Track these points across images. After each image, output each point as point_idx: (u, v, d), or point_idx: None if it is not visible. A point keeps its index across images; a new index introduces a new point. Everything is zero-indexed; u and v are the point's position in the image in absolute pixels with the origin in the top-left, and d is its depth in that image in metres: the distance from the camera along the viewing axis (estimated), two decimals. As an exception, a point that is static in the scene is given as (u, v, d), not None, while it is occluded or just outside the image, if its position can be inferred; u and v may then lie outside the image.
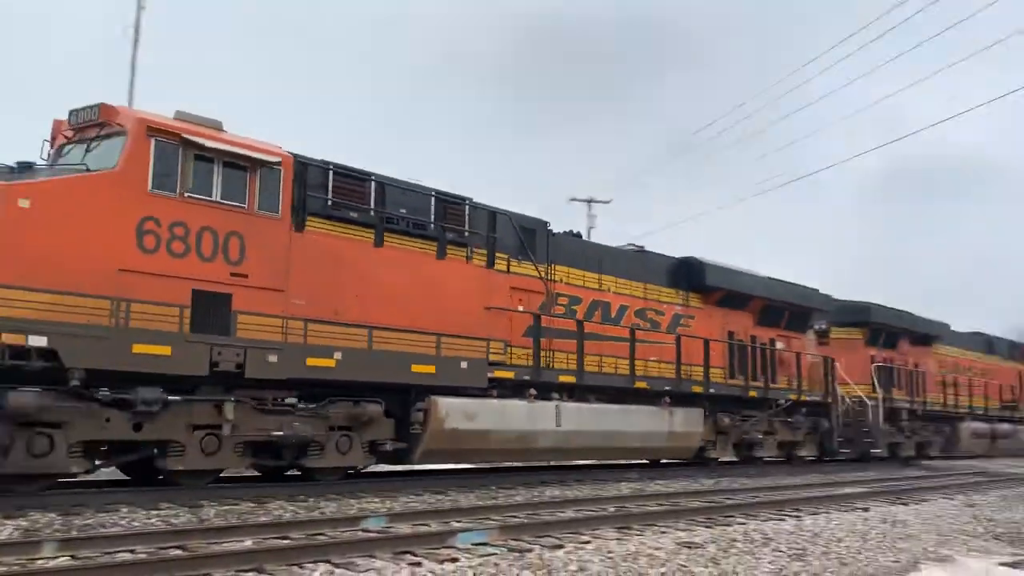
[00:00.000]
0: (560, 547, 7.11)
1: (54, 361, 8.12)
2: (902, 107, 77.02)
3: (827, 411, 19.56)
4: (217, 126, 9.85)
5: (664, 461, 16.22)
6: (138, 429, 8.98)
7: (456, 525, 8.00)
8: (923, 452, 23.93)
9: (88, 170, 8.72)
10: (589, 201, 37.27)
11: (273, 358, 9.76)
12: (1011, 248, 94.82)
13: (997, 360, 28.64)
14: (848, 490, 13.73)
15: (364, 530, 7.68)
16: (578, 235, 15.73)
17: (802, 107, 78.35)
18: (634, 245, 16.63)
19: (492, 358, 12.14)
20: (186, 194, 9.32)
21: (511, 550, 6.91)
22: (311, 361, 10.17)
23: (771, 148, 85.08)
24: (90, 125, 9.41)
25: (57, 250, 8.22)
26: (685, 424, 15.54)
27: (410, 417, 11.37)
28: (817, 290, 20.53)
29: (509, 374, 12.59)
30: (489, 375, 12.14)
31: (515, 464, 13.49)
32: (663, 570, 6.57)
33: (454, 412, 11.63)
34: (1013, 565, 9.11)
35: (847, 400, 20.63)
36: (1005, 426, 26.93)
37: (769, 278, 18.85)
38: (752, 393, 17.47)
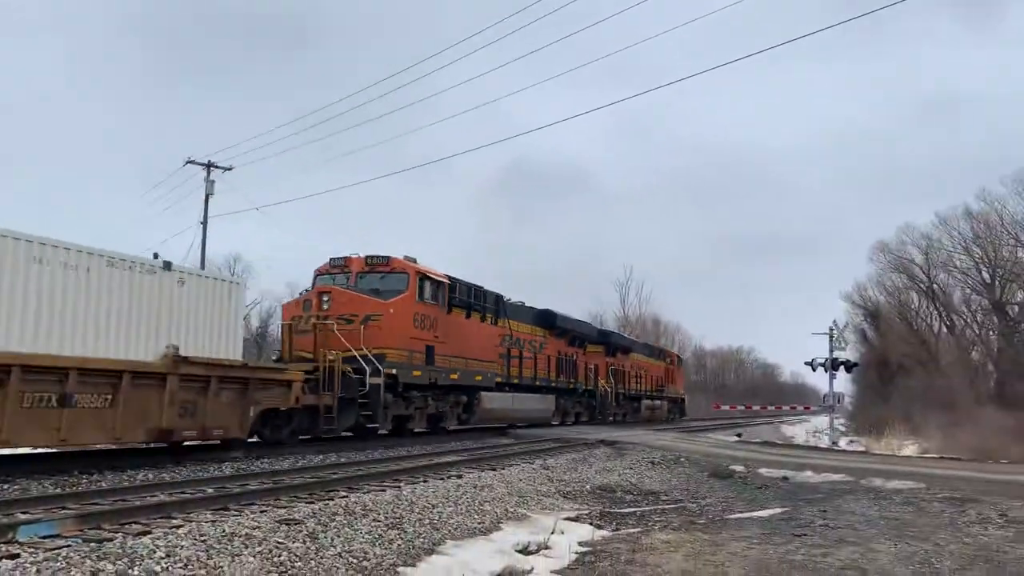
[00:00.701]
0: (147, 533, 6.65)
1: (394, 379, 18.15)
2: (519, 112, 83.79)
3: (596, 394, 32.70)
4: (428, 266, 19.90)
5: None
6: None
7: (22, 517, 7.21)
8: (636, 417, 38.15)
9: (399, 293, 19.15)
10: (208, 165, 34.93)
11: (446, 376, 20.50)
12: (600, 240, 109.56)
13: (654, 360, 43.57)
14: (449, 459, 14.52)
15: None
16: (519, 302, 27.17)
17: (430, 95, 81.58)
18: (522, 302, 27.50)
19: (499, 371, 23.94)
20: (426, 301, 20.08)
21: (87, 540, 6.33)
22: (451, 376, 21.15)
23: (399, 133, 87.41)
24: (380, 265, 19.82)
25: (397, 330, 18.81)
26: (547, 403, 27.51)
27: (473, 401, 22.48)
28: (590, 323, 39.35)
29: (501, 379, 24.25)
30: (497, 380, 23.83)
31: (139, 446, 13.68)
32: (259, 549, 6.45)
33: (488, 398, 23.05)
34: (576, 519, 10.24)
35: (603, 387, 33.66)
36: (657, 401, 42.01)
37: (576, 319, 33.25)
38: (570, 386, 30.07)
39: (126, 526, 6.97)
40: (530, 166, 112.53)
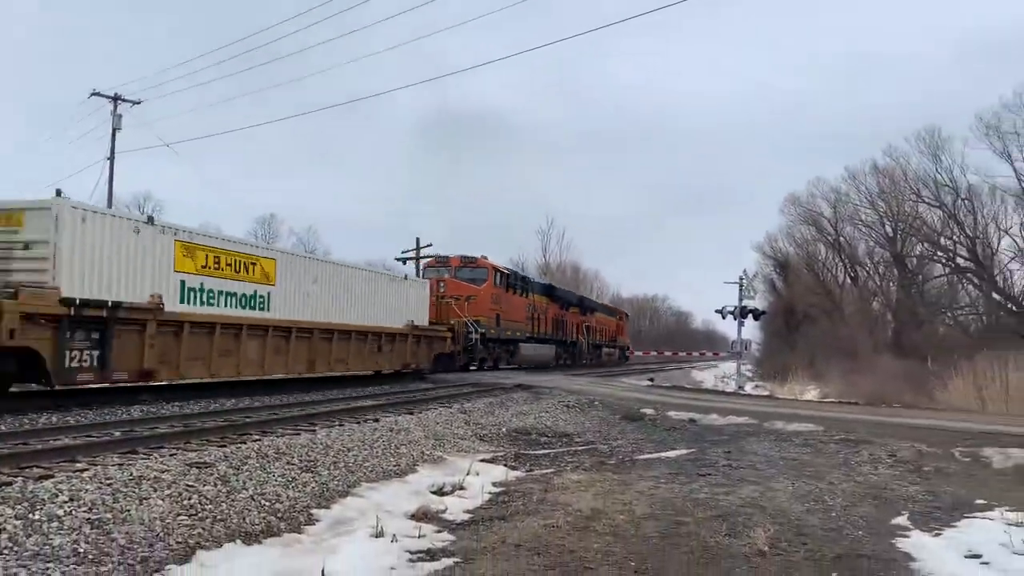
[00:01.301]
0: (49, 476, 6.40)
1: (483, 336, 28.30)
2: (447, 54, 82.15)
3: (576, 345, 42.12)
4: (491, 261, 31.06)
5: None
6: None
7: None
8: (599, 360, 47.69)
9: (484, 282, 29.91)
10: (115, 99, 33.33)
11: (506, 333, 30.53)
12: (523, 188, 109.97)
13: (610, 317, 53.76)
14: (366, 403, 14.43)
15: None
16: (535, 279, 38.81)
17: (353, 31, 79.22)
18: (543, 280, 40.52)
19: (528, 330, 33.20)
20: (497, 286, 30.51)
21: (-16, 485, 5.73)
22: (506, 333, 30.82)
23: (319, 69, 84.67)
24: (470, 263, 30.60)
25: (483, 305, 29.40)
26: (551, 351, 36.52)
27: (516, 349, 31.69)
28: (572, 291, 47.70)
29: (529, 335, 33.83)
30: (527, 335, 33.15)
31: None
32: (168, 492, 6.34)
33: (523, 348, 32.65)
34: (491, 460, 10.41)
35: (580, 340, 43.45)
36: (612, 349, 52.71)
37: (564, 289, 45.11)
38: (563, 339, 39.73)
39: (26, 470, 6.74)
40: (456, 111, 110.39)
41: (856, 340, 38.48)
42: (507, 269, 33.67)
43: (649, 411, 17.07)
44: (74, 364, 12.05)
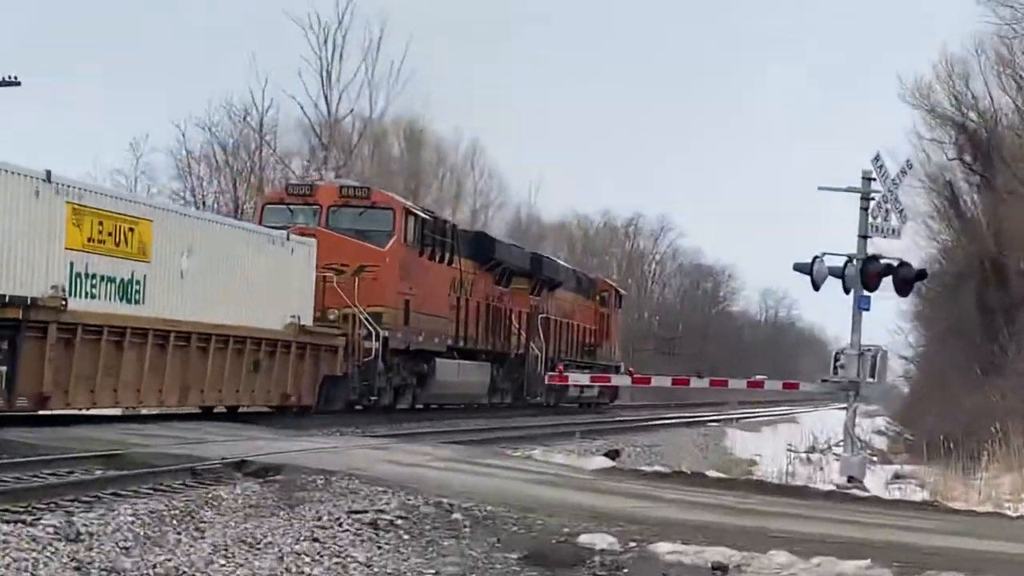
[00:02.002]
0: None
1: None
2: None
3: (525, 361, 42.89)
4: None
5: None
6: None
7: None
8: (564, 397, 47.87)
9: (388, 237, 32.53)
10: None
11: (417, 339, 33.27)
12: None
13: (583, 299, 51.84)
14: None
15: None
16: (481, 235, 43.12)
17: None
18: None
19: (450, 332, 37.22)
20: (409, 245, 32.44)
21: None
22: (418, 339, 32.74)
23: None
24: (357, 198, 30.71)
25: (390, 284, 32.06)
26: (483, 374, 37.84)
27: (428, 375, 34.29)
28: (521, 247, 49.85)
29: (451, 342, 35.81)
30: (448, 343, 35.01)
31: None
32: None
33: (441, 368, 33.75)
34: None
35: (533, 350, 43.10)
36: (582, 366, 49.73)
37: (508, 242, 46.53)
38: (502, 349, 41.11)
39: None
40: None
41: None
42: (424, 212, 35.39)
43: (603, 541, 14.41)
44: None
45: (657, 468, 25.60)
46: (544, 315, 42.93)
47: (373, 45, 70.52)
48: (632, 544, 14.32)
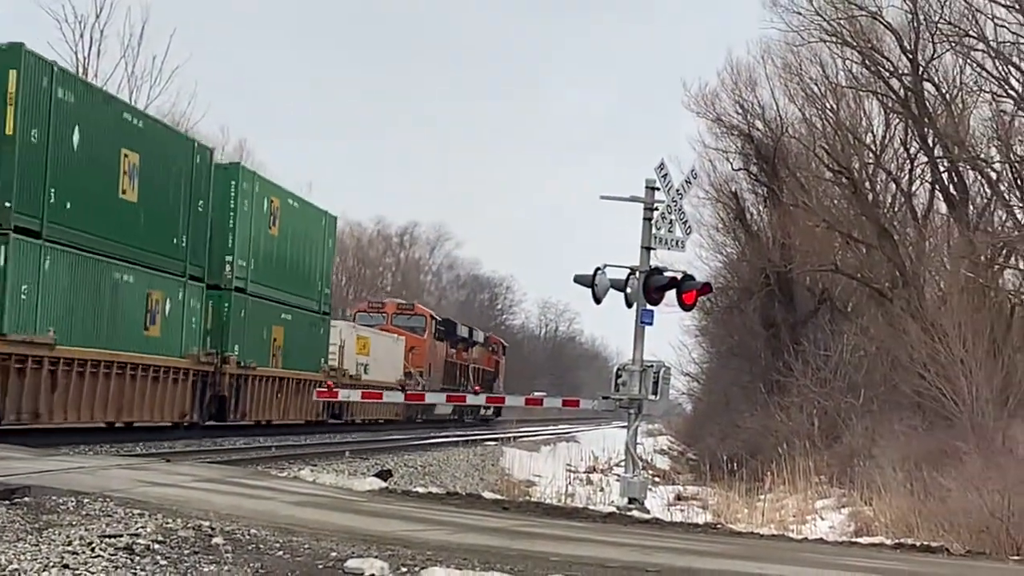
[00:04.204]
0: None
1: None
2: None
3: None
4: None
5: None
6: None
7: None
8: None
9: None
10: None
11: None
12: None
13: (483, 351, 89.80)
14: None
15: None
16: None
17: None
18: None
19: None
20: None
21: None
22: None
23: None
24: (405, 311, 74.60)
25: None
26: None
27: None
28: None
29: None
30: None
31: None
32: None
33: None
34: None
35: None
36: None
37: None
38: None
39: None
40: None
41: (956, 378, 33.35)
42: (436, 316, 72.69)
43: (371, 567, 14.30)
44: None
45: (431, 489, 25.50)
46: (470, 364, 77.71)
47: (134, 39, 69.91)
48: (403, 570, 14.21)
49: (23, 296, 27.61)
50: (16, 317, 27.39)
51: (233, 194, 41.53)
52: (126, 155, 32.94)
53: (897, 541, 21.02)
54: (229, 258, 40.99)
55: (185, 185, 37.20)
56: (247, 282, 42.66)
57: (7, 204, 28.22)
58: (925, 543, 21.00)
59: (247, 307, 42.66)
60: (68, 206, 29.74)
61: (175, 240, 36.82)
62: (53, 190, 29.76)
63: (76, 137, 30.13)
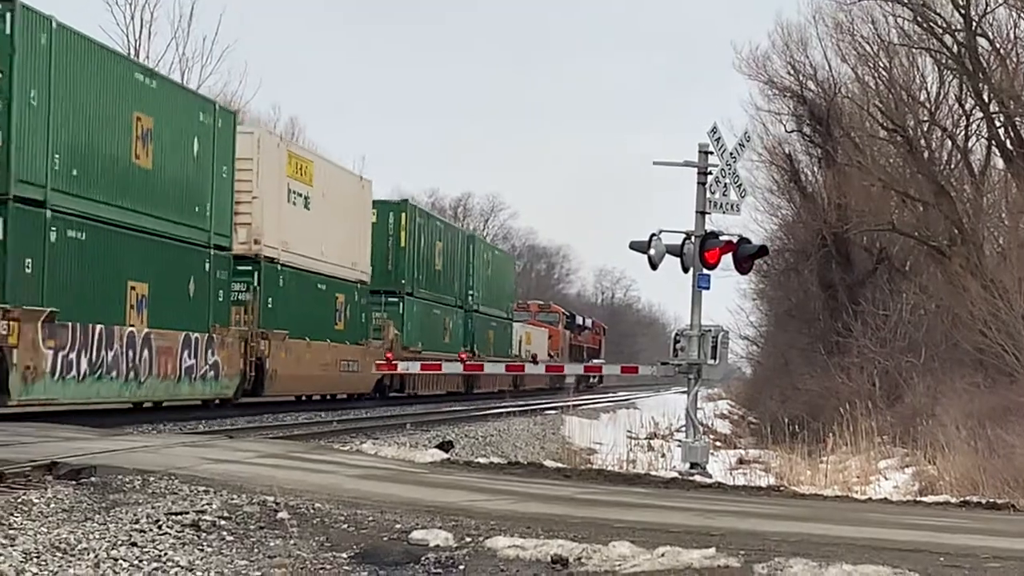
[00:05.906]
0: None
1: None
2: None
3: None
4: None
5: None
6: None
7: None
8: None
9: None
10: None
11: None
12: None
13: (591, 333, 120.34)
14: None
15: None
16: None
17: None
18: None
19: None
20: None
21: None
22: None
23: None
24: (544, 309, 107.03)
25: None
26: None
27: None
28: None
29: None
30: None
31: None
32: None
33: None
34: None
35: None
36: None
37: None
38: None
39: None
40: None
41: (1019, 333, 33.81)
42: (565, 311, 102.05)
43: (437, 538, 14.35)
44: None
45: (493, 459, 25.46)
46: (583, 344, 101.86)
47: (184, 20, 69.55)
48: (467, 539, 14.24)
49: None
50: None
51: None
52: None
53: (962, 499, 20.85)
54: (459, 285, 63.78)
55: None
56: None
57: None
58: (991, 500, 20.88)
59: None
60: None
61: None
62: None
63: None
